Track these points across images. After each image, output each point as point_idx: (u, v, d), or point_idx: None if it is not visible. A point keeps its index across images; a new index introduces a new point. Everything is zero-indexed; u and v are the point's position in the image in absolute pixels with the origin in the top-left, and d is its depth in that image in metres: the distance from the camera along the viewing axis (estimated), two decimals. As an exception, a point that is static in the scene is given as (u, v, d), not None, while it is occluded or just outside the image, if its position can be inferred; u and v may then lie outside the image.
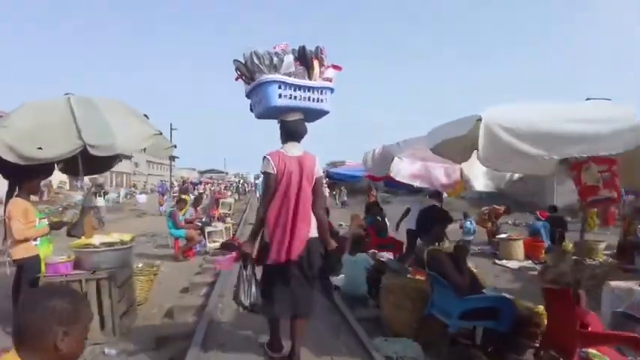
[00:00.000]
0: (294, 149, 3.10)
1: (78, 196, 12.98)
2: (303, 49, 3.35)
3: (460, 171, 4.78)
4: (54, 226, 4.18)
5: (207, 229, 8.52)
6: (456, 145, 3.34)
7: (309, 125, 3.33)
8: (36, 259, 3.89)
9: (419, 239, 5.50)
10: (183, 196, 10.32)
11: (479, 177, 5.00)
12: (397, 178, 4.90)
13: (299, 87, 3.28)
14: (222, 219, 12.45)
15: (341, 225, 13.56)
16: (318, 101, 3.38)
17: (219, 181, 45.14)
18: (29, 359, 1.08)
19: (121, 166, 60.60)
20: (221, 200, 12.73)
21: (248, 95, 3.49)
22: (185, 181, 34.63)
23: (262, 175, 3.23)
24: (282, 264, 2.99)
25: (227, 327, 4.12)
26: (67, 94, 4.43)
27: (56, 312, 1.11)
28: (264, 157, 3.07)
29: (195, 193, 25.52)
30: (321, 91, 3.40)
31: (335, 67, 3.52)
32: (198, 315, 4.40)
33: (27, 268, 3.89)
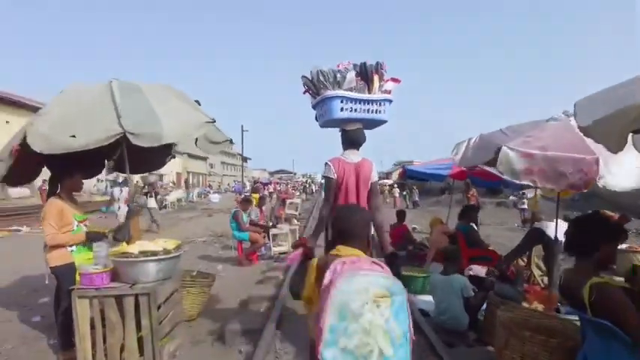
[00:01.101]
0: (352, 156, 3.37)
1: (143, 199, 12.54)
2: (364, 65, 3.66)
3: (596, 163, 3.49)
4: (90, 236, 3.59)
5: (272, 231, 7.87)
6: (622, 120, 2.20)
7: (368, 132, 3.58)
8: (70, 267, 3.36)
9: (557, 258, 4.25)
10: (253, 195, 9.79)
11: (618, 173, 3.70)
12: (506, 176, 3.72)
13: (359, 100, 3.61)
14: (288, 220, 11.87)
15: (415, 228, 12.32)
16: (376, 112, 3.71)
17: (288, 181, 45.38)
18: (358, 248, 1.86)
19: (198, 167, 64.05)
20: (288, 200, 12.10)
21: (314, 107, 3.86)
22: (256, 181, 35.19)
23: (324, 179, 3.50)
24: None
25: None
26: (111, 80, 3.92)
27: (367, 218, 2.11)
28: (326, 163, 3.37)
29: (266, 192, 25.63)
30: (380, 103, 3.70)
31: (394, 80, 3.77)
32: (253, 340, 3.65)
33: (61, 278, 3.38)
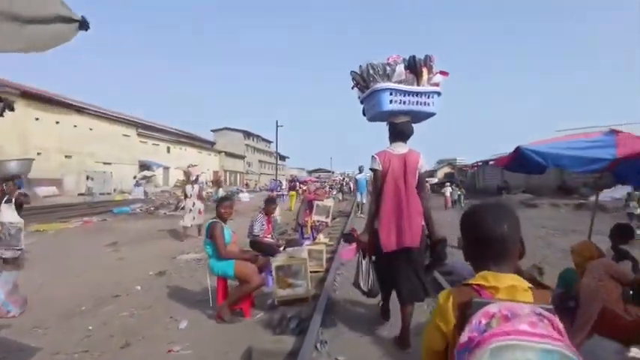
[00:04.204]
0: (399, 148, 3.45)
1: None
2: (413, 58, 3.66)
3: None
4: None
5: (276, 260, 4.53)
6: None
7: (416, 126, 3.66)
8: None
9: None
10: (291, 193, 7.12)
11: None
12: None
13: (408, 93, 3.60)
14: (316, 229, 8.71)
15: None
16: (425, 105, 3.68)
17: (325, 180, 42.28)
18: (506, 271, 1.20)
19: (235, 165, 62.57)
20: (316, 202, 8.90)
21: (362, 101, 3.88)
22: (293, 179, 32.36)
23: (371, 172, 3.70)
24: (393, 252, 3.27)
25: None
26: None
27: (518, 223, 1.24)
28: (372, 156, 3.50)
29: (300, 191, 22.60)
30: (429, 95, 3.68)
31: (442, 72, 3.79)
32: None
33: None
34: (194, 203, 10.40)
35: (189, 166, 11.55)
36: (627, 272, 3.35)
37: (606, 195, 19.36)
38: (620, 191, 16.40)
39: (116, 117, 35.84)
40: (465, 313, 1.10)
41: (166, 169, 40.56)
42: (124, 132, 36.28)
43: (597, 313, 3.14)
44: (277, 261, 4.39)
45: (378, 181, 3.41)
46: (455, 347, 1.08)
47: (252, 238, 5.22)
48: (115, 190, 30.54)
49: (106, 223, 14.06)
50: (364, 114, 3.93)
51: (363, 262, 3.48)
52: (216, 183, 28.39)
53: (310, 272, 5.31)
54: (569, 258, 7.75)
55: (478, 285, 1.18)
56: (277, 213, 12.09)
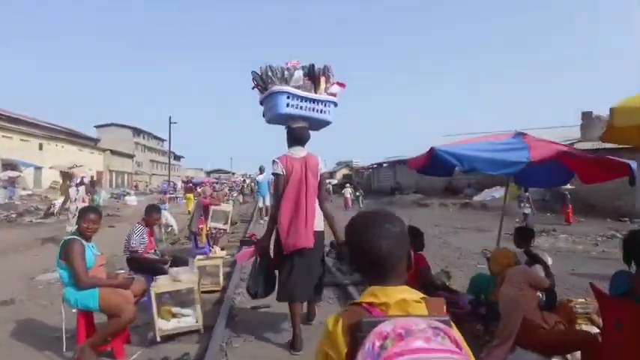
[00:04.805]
0: (299, 152, 3.50)
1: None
2: (312, 66, 3.84)
3: None
4: None
5: (158, 283, 3.63)
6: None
7: (314, 133, 3.74)
8: None
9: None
10: (187, 196, 6.13)
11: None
12: None
13: (305, 99, 3.75)
14: (212, 237, 7.84)
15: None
16: (321, 112, 3.88)
17: (224, 182, 40.56)
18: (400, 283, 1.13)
19: (122, 165, 57.11)
20: (212, 208, 8.01)
21: (261, 102, 3.96)
22: (188, 180, 30.24)
23: (273, 177, 3.62)
24: (292, 253, 3.33)
25: None
26: None
27: (403, 229, 1.14)
28: (274, 160, 3.49)
29: (195, 194, 21.01)
30: (325, 104, 3.89)
31: (340, 84, 3.99)
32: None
33: None
34: (77, 207, 9.44)
35: (72, 167, 10.65)
36: (542, 278, 3.26)
37: (487, 194, 21.29)
38: (500, 191, 17.96)
39: (-32, 107, 30.07)
40: (356, 336, 1.00)
41: (38, 168, 35.22)
42: (-20, 125, 30.64)
43: (519, 324, 2.96)
44: (158, 286, 3.53)
45: (281, 185, 3.41)
46: None
47: (129, 254, 4.26)
48: (-35, 195, 25.49)
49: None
50: (264, 116, 3.98)
51: (257, 264, 3.51)
52: (93, 184, 25.01)
53: (205, 292, 4.55)
54: (466, 257, 8.07)
55: (368, 303, 1.09)
56: (171, 220, 10.91)
